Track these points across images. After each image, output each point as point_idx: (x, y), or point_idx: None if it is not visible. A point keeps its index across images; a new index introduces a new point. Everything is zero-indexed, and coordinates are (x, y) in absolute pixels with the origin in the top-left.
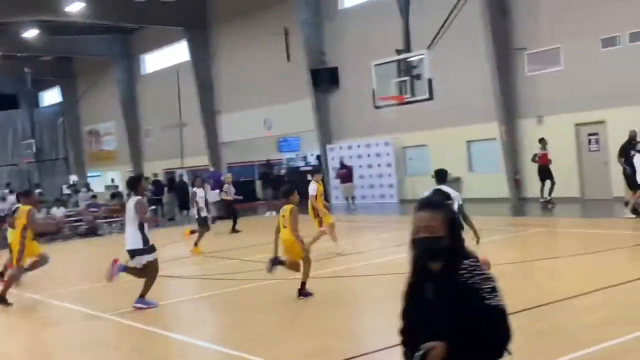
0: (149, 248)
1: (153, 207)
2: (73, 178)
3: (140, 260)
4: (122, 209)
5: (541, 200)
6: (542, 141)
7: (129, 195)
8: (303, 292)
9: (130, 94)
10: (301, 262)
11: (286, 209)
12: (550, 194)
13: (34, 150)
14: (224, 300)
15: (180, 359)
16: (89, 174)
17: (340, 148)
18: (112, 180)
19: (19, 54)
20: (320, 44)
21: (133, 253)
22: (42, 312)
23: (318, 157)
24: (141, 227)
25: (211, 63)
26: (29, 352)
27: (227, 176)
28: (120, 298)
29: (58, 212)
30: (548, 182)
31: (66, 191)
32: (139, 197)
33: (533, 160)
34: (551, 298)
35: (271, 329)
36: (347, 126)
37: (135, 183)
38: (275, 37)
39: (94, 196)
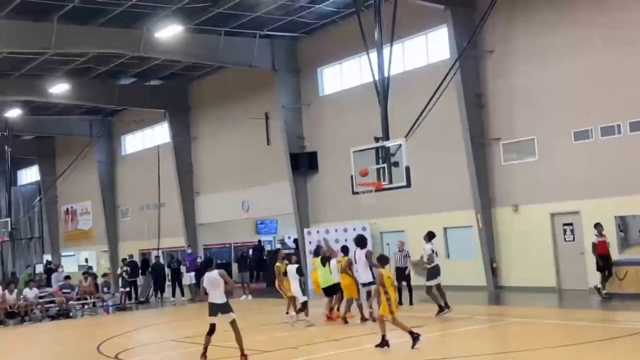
0: None
1: (127, 289)
2: (47, 257)
3: None
4: (95, 289)
5: (604, 292)
6: (598, 226)
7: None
8: None
9: (109, 173)
10: None
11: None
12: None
13: (9, 229)
14: None
15: None
16: (63, 254)
17: (318, 232)
18: (86, 260)
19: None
20: (299, 129)
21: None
22: None
23: (295, 241)
24: None
25: (191, 145)
26: None
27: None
28: None
29: (30, 293)
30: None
31: (39, 271)
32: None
33: (593, 251)
34: None
35: None
36: (325, 210)
37: None
38: (255, 121)
39: (68, 277)
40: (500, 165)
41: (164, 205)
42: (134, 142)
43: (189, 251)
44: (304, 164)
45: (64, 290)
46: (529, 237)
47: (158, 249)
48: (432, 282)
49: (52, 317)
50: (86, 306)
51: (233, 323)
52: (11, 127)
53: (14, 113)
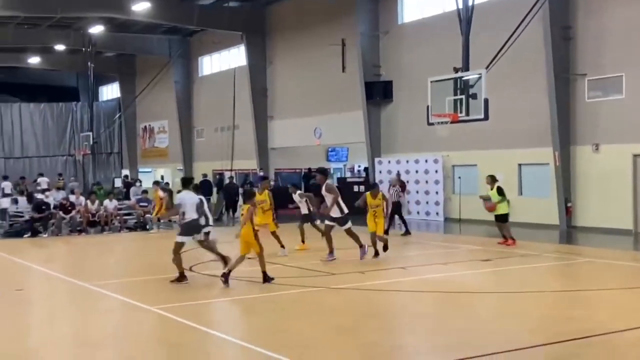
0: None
1: None
2: (125, 172)
3: None
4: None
5: None
6: None
7: (179, 192)
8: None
9: (186, 94)
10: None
11: (244, 207)
12: None
13: (91, 142)
14: (265, 303)
15: (218, 356)
16: (140, 170)
17: (389, 162)
18: (162, 177)
19: (83, 49)
20: (376, 57)
21: None
22: (90, 300)
23: (366, 170)
24: None
25: (267, 69)
26: (72, 338)
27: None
28: (165, 292)
29: (110, 204)
30: None
31: (118, 184)
32: None
33: None
34: (601, 329)
35: (308, 335)
36: (397, 140)
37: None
38: (331, 48)
39: (145, 191)
40: (583, 102)
41: (238, 127)
42: (211, 64)
43: (261, 174)
44: (378, 93)
45: (141, 204)
46: (608, 178)
47: (231, 170)
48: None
49: (130, 229)
50: (162, 220)
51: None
52: (94, 44)
53: (97, 30)
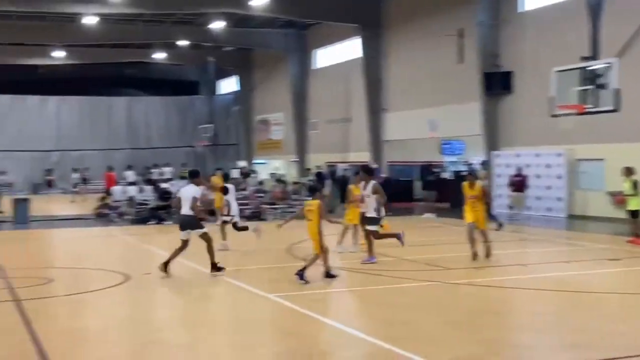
0: None
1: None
2: (242, 163)
3: None
4: (286, 195)
5: None
6: None
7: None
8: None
9: (301, 87)
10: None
11: (313, 204)
12: None
13: (211, 134)
14: (379, 295)
15: (335, 345)
16: (255, 161)
17: (508, 156)
18: (277, 168)
19: (204, 44)
20: (495, 47)
21: None
22: (210, 286)
23: (483, 163)
24: None
25: (382, 61)
26: (192, 321)
27: None
28: (282, 281)
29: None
30: None
31: (235, 175)
32: None
33: None
34: None
35: (426, 329)
36: (516, 133)
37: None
38: (448, 38)
39: (261, 182)
40: None
41: (351, 120)
42: (326, 57)
43: (374, 166)
44: (497, 84)
45: (258, 194)
46: None
47: (344, 162)
48: None
49: (247, 218)
50: (278, 210)
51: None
52: (215, 39)
53: (217, 25)
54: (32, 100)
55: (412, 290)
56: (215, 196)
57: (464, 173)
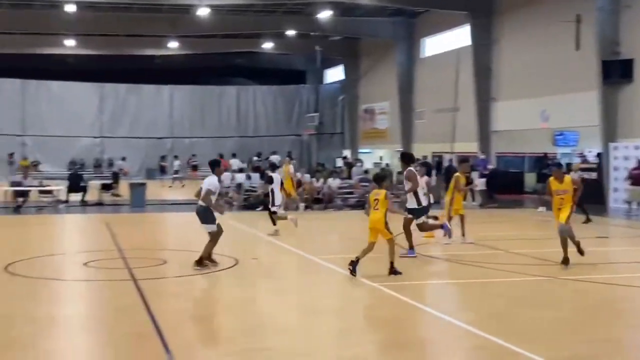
0: None
1: None
2: (346, 152)
3: None
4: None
5: None
6: None
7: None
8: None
9: (408, 75)
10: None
11: (380, 192)
12: None
13: (316, 123)
14: (487, 288)
15: (440, 337)
16: (360, 150)
17: (626, 147)
18: (381, 158)
19: (311, 33)
20: (615, 33)
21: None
22: (315, 272)
23: (598, 155)
24: None
25: (492, 49)
26: (298, 305)
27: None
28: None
29: (333, 182)
30: None
31: (339, 164)
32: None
33: None
34: None
35: (537, 324)
36: (636, 124)
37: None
38: (564, 24)
39: (366, 171)
40: None
41: (458, 109)
42: (434, 45)
43: (482, 157)
44: (616, 72)
45: (362, 184)
46: None
47: (451, 152)
48: None
49: (351, 207)
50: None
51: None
52: (322, 28)
53: (325, 14)
54: (148, 89)
55: (521, 284)
56: (285, 184)
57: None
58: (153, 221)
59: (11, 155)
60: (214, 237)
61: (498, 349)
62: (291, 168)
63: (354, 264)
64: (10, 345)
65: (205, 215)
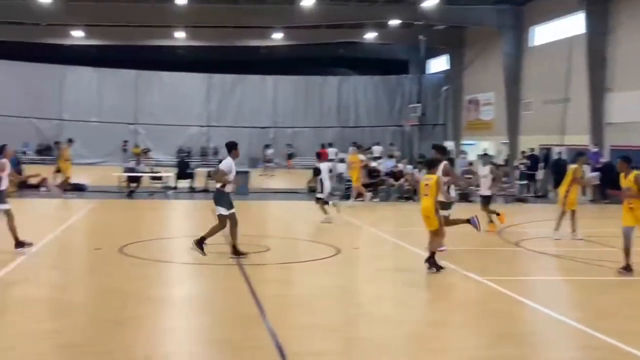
0: None
1: (525, 181)
2: (449, 144)
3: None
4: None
5: None
6: None
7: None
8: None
9: (515, 65)
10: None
11: (431, 178)
12: None
13: (419, 114)
14: (600, 287)
15: (549, 333)
16: (463, 142)
17: None
18: (484, 150)
19: (415, 23)
20: None
21: None
22: (415, 263)
23: None
24: None
25: (608, 37)
26: (393, 296)
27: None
28: (494, 264)
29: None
30: None
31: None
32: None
33: None
34: None
35: None
36: None
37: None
38: None
39: (470, 163)
40: None
41: (569, 100)
42: (544, 34)
43: (594, 150)
44: None
45: (466, 175)
46: None
47: (560, 145)
48: None
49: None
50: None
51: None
52: (426, 17)
53: (429, 3)
54: (253, 79)
55: (634, 284)
56: (352, 175)
57: None
58: (256, 209)
59: (125, 142)
60: (222, 222)
61: (610, 349)
62: (360, 157)
63: (430, 261)
64: (125, 323)
65: (220, 198)
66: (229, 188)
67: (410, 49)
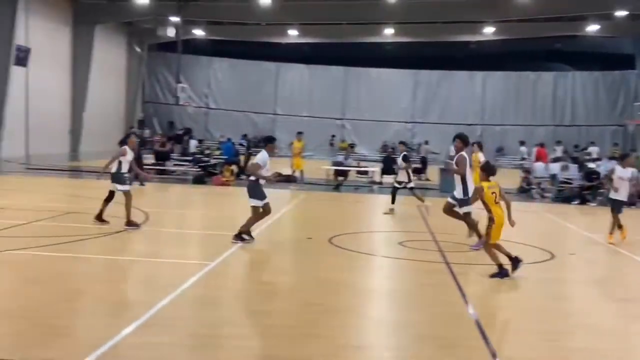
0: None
1: None
2: None
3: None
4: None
5: None
6: None
7: None
8: None
9: None
10: None
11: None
12: None
13: None
14: None
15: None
16: None
17: None
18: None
19: None
20: None
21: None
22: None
23: None
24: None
25: None
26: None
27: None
28: None
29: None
30: None
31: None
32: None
33: None
34: None
35: None
36: None
37: None
38: None
39: None
40: None
41: None
42: None
43: None
44: None
45: None
46: None
47: None
48: None
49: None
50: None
51: None
52: None
53: None
54: (460, 75)
55: None
56: (475, 175)
57: None
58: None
59: (332, 137)
60: (257, 213)
61: None
62: (481, 157)
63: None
64: (337, 310)
65: (254, 190)
66: (263, 180)
67: (637, 42)
